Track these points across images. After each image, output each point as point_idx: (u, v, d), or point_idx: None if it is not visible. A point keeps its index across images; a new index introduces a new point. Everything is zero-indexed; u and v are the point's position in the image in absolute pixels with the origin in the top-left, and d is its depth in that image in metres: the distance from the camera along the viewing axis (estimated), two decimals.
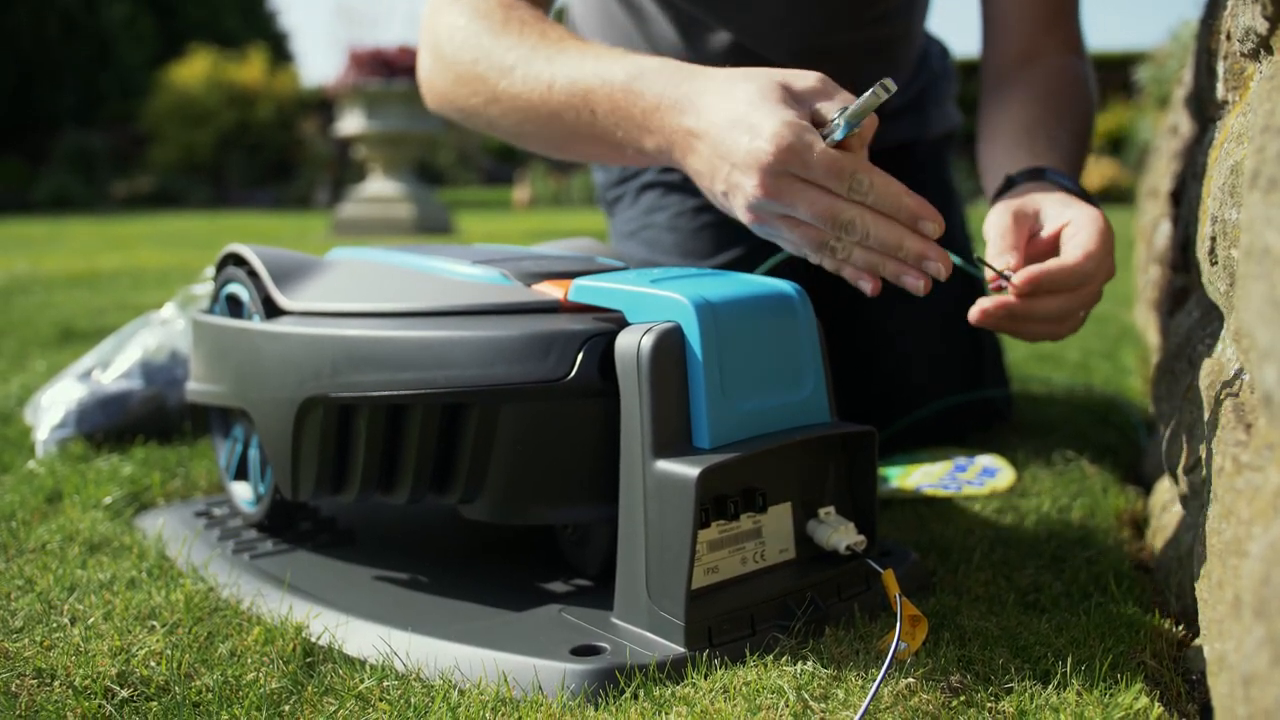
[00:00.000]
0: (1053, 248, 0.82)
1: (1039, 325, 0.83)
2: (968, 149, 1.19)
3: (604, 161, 0.96)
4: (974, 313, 0.82)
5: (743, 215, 0.75)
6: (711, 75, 0.77)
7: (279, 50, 18.79)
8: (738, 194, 0.73)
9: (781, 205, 0.71)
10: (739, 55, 1.12)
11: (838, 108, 0.71)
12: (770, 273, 0.91)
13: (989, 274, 0.81)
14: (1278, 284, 0.37)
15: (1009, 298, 0.80)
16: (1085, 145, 1.01)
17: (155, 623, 0.69)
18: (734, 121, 0.72)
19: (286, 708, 0.59)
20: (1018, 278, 0.79)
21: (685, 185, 1.22)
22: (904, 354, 1.18)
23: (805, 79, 0.74)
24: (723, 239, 1.17)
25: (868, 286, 0.73)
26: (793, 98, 0.73)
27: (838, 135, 0.70)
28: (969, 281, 1.16)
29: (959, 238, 1.26)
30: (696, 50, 1.15)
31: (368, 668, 0.64)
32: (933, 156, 1.29)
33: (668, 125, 0.78)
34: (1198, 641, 0.67)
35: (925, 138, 1.28)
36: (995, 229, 0.83)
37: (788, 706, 0.55)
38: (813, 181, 0.70)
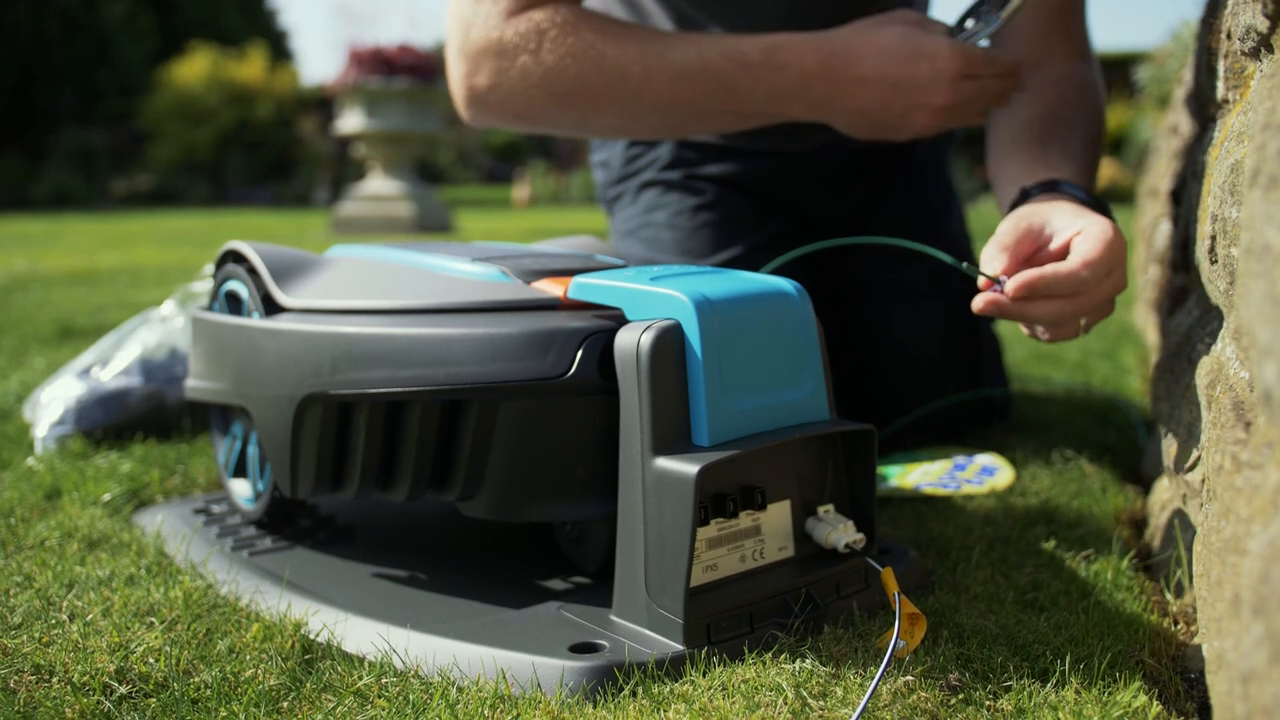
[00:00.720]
0: (1063, 258, 0.83)
1: (1036, 328, 0.83)
2: (968, 149, 1.19)
3: (719, 130, 1.05)
4: (974, 304, 0.83)
5: (923, 126, 0.96)
6: (844, 35, 0.94)
7: (278, 48, 18.81)
8: (919, 112, 0.94)
9: (960, 102, 0.93)
10: None
11: (955, 21, 0.96)
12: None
13: (981, 280, 0.81)
14: (1278, 282, 0.37)
15: (999, 297, 0.80)
16: (1097, 153, 1.01)
17: (154, 619, 0.69)
18: (906, 59, 0.92)
19: (285, 704, 0.59)
20: (1012, 282, 0.79)
21: (685, 184, 1.22)
22: (904, 353, 1.18)
23: (907, 15, 0.95)
24: (722, 238, 1.17)
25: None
26: (923, 26, 0.93)
27: (983, 39, 0.95)
28: (970, 283, 1.16)
29: (958, 239, 1.26)
30: None
31: (366, 664, 0.64)
32: (932, 156, 1.29)
33: (824, 85, 0.94)
34: (1196, 640, 0.67)
35: (925, 137, 1.28)
36: (998, 234, 0.83)
37: (786, 704, 0.55)
38: (975, 75, 0.93)
